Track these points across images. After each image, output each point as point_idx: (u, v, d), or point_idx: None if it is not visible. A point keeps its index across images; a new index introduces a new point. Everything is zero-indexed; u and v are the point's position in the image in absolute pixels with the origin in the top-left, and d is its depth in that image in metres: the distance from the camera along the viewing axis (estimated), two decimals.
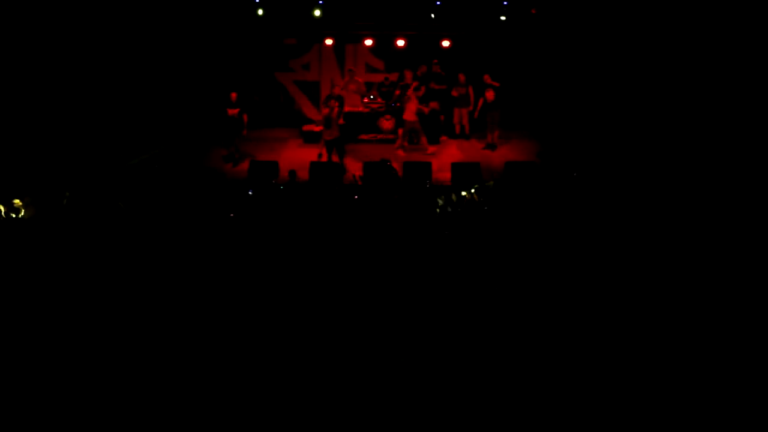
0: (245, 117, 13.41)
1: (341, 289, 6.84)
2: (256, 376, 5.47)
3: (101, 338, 5.86)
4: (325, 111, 13.22)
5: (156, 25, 13.51)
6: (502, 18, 14.08)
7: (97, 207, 9.41)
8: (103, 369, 5.49)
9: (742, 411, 5.03)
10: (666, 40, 12.94)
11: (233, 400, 5.23)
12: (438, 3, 14.08)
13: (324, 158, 13.24)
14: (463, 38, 14.85)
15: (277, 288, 6.86)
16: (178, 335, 5.96)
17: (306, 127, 14.78)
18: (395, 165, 12.30)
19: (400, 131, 14.05)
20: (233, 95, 13.41)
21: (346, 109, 14.71)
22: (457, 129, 14.63)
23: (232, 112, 13.38)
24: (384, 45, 14.97)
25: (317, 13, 14.01)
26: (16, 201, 9.16)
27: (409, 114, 13.51)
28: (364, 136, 14.53)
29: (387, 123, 14.47)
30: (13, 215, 9.06)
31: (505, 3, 14.05)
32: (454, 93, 14.40)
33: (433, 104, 14.51)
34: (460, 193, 10.11)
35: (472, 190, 10.20)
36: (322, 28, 14.60)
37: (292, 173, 11.71)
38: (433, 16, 14.12)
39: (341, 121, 13.58)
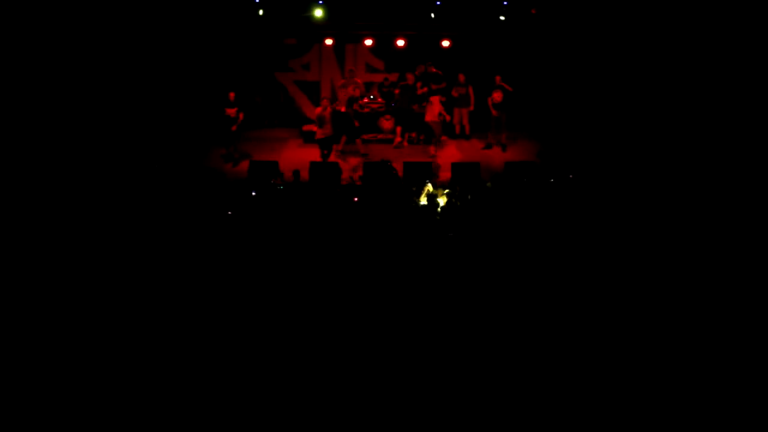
0: (241, 116, 13.45)
1: (340, 288, 6.83)
2: (255, 375, 5.47)
3: (101, 337, 5.86)
4: (318, 110, 13.25)
5: (156, 25, 13.51)
6: (502, 18, 14.07)
7: (97, 207, 9.40)
8: (102, 368, 5.49)
9: (741, 410, 5.03)
10: (666, 40, 12.93)
11: (232, 399, 5.23)
12: (438, 3, 14.07)
13: (329, 158, 13.29)
14: (463, 38, 14.85)
15: (276, 287, 6.86)
16: (178, 334, 5.96)
17: (306, 127, 14.77)
18: (395, 165, 12.31)
19: (398, 129, 14.11)
20: (231, 95, 13.45)
21: (346, 109, 14.72)
22: (457, 129, 14.61)
23: (230, 111, 13.41)
24: (384, 45, 14.97)
25: (318, 13, 13.99)
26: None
27: (431, 116, 13.52)
28: (364, 136, 14.53)
29: (387, 123, 14.47)
30: None
31: (505, 3, 14.05)
32: (454, 93, 14.39)
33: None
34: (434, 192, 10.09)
35: (446, 191, 10.18)
36: (322, 28, 14.60)
37: (296, 173, 11.81)
38: (433, 15, 14.11)
39: (356, 123, 13.76)
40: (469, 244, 8.04)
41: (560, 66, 14.34)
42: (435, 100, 13.55)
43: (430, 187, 10.29)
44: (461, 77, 14.27)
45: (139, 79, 13.58)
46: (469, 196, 9.66)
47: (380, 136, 14.59)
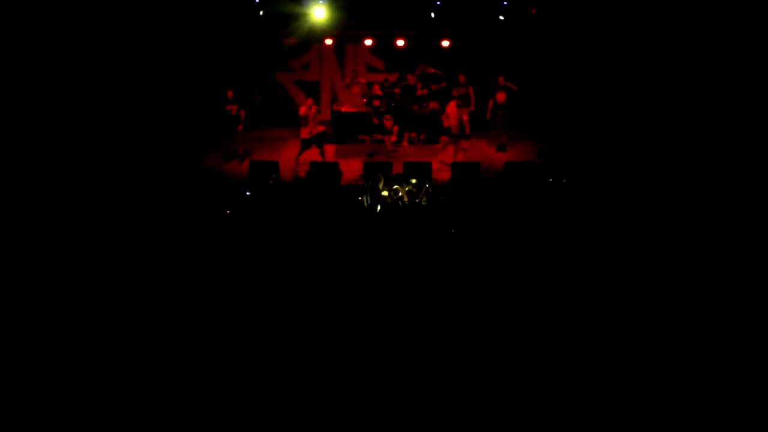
0: (242, 113, 13.49)
1: (338, 287, 6.83)
2: (254, 375, 5.46)
3: (97, 335, 5.86)
4: (302, 110, 13.31)
5: (156, 24, 13.50)
6: (501, 18, 14.05)
7: (96, 206, 9.40)
8: (101, 366, 5.49)
9: (741, 410, 5.02)
10: (666, 40, 12.92)
11: (231, 398, 5.22)
12: (438, 3, 14.06)
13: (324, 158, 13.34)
14: (463, 38, 14.83)
15: (275, 286, 6.86)
16: (175, 333, 5.95)
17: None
18: (395, 165, 12.31)
19: (396, 129, 14.14)
20: (230, 93, 13.49)
21: (346, 109, 14.70)
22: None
23: (229, 108, 13.44)
24: (384, 45, 14.96)
25: (319, 14, 13.97)
26: None
27: (451, 120, 13.50)
28: (364, 136, 14.53)
29: (387, 123, 14.46)
30: None
31: (505, 3, 14.04)
32: (455, 93, 14.37)
33: (433, 104, 14.50)
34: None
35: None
36: (322, 28, 14.59)
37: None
38: (433, 15, 14.09)
39: (375, 120, 13.93)
40: (468, 244, 8.04)
41: (560, 66, 14.33)
42: (452, 106, 13.54)
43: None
44: (461, 77, 14.26)
45: (139, 79, 13.57)
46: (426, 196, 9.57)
47: (380, 137, 14.58)
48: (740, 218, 8.35)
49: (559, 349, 5.80)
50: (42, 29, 12.21)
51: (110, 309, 6.33)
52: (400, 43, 14.72)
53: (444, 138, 14.39)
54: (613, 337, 5.92)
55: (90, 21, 12.72)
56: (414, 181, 10.20)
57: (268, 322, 6.24)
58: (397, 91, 14.40)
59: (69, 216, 8.91)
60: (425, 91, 14.38)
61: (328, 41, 14.90)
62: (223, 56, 14.68)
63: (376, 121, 13.93)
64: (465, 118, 14.47)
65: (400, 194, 9.74)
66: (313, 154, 13.44)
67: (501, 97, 13.72)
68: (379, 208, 9.28)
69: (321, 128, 13.56)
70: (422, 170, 12.43)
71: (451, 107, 13.51)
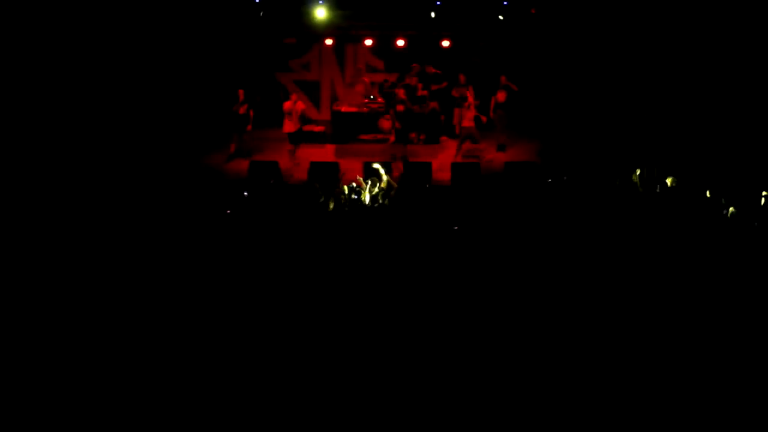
0: (251, 113, 13.52)
1: (337, 287, 6.83)
2: (254, 374, 5.46)
3: (97, 334, 5.86)
4: (287, 104, 13.33)
5: (156, 24, 13.50)
6: (501, 17, 14.05)
7: (95, 205, 9.40)
8: (101, 365, 5.49)
9: (741, 410, 5.02)
10: (666, 40, 12.93)
11: (231, 398, 5.22)
12: (438, 3, 14.06)
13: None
14: (463, 38, 14.82)
15: (275, 286, 6.85)
16: (174, 333, 5.95)
17: (306, 127, 14.74)
18: (396, 165, 12.33)
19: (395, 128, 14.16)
20: (240, 92, 13.50)
21: (347, 109, 14.67)
22: (457, 129, 14.59)
23: (241, 109, 13.47)
24: (384, 45, 14.95)
25: (320, 14, 13.97)
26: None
27: (467, 121, 13.50)
28: (364, 136, 14.52)
29: (387, 123, 14.46)
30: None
31: (505, 3, 14.03)
32: (454, 93, 14.37)
33: (433, 104, 14.49)
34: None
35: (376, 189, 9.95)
36: (323, 28, 14.58)
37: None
38: (433, 15, 14.09)
39: (397, 125, 13.84)
40: (468, 244, 8.03)
41: (560, 66, 14.32)
42: (471, 104, 13.54)
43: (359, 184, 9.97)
44: (461, 77, 14.26)
45: (139, 78, 13.58)
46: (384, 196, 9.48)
47: (380, 136, 14.58)
48: (740, 218, 8.35)
49: (559, 349, 5.80)
50: (49, 31, 12.26)
51: (109, 305, 6.33)
52: (400, 43, 14.71)
53: (444, 137, 14.39)
54: (613, 337, 5.92)
55: (90, 23, 12.76)
56: (376, 180, 10.00)
57: (268, 322, 6.24)
58: (400, 91, 14.37)
59: (69, 213, 8.91)
60: (425, 92, 14.37)
61: (328, 41, 14.89)
62: (223, 56, 14.68)
63: (399, 125, 13.82)
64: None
65: (360, 194, 9.54)
66: (312, 153, 13.45)
67: (501, 96, 13.72)
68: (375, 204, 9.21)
69: (321, 128, 13.57)
70: (422, 170, 12.44)
71: (471, 108, 13.47)
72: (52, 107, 12.52)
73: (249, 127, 13.59)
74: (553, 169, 11.86)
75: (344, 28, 14.52)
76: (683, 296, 6.47)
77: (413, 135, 14.49)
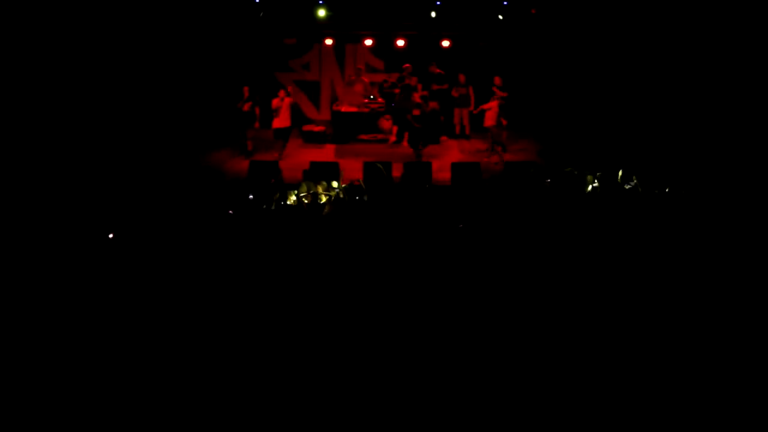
0: (257, 110, 13.64)
1: (337, 287, 6.83)
2: (254, 374, 5.46)
3: (96, 335, 5.86)
4: (275, 101, 13.53)
5: (156, 24, 13.51)
6: (500, 17, 14.08)
7: (95, 204, 9.40)
8: (100, 365, 5.49)
9: (741, 411, 5.02)
10: (666, 40, 12.93)
11: (231, 397, 5.23)
12: (438, 3, 14.08)
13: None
14: (463, 38, 14.85)
15: (275, 286, 6.85)
16: (174, 333, 5.95)
17: (306, 127, 14.78)
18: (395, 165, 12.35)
19: (395, 129, 14.15)
20: (246, 89, 13.58)
21: (347, 109, 14.70)
22: (457, 129, 14.63)
23: (245, 106, 13.56)
24: (384, 45, 14.97)
25: (321, 13, 13.98)
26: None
27: (489, 120, 13.53)
28: (364, 136, 14.55)
29: (387, 123, 14.50)
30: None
31: (505, 3, 14.05)
32: (455, 93, 14.40)
33: (433, 104, 14.52)
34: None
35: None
36: (322, 27, 14.61)
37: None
38: (433, 14, 14.10)
39: (417, 125, 13.95)
40: (468, 244, 8.03)
41: (560, 66, 14.33)
42: (493, 105, 13.56)
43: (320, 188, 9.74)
44: (461, 77, 14.28)
45: (138, 78, 13.58)
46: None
47: (380, 136, 14.61)
48: (740, 218, 8.35)
49: (560, 349, 5.80)
50: (49, 30, 12.27)
51: (109, 306, 6.33)
52: (400, 43, 14.73)
53: (444, 137, 14.39)
54: (614, 337, 5.93)
55: (89, 22, 12.77)
56: (326, 183, 9.74)
57: (268, 321, 6.24)
58: (397, 91, 14.41)
59: (69, 212, 8.91)
60: (426, 92, 14.39)
61: (328, 41, 14.91)
62: (223, 56, 14.69)
63: (418, 125, 13.86)
64: (465, 118, 14.51)
65: (303, 199, 9.31)
66: (312, 153, 13.49)
67: (494, 103, 13.77)
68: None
69: (321, 128, 13.61)
70: (422, 170, 12.47)
71: (494, 105, 13.50)
72: (52, 107, 12.53)
73: (257, 125, 13.70)
74: (553, 169, 11.86)
75: (344, 28, 14.57)
76: (683, 296, 6.47)
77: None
